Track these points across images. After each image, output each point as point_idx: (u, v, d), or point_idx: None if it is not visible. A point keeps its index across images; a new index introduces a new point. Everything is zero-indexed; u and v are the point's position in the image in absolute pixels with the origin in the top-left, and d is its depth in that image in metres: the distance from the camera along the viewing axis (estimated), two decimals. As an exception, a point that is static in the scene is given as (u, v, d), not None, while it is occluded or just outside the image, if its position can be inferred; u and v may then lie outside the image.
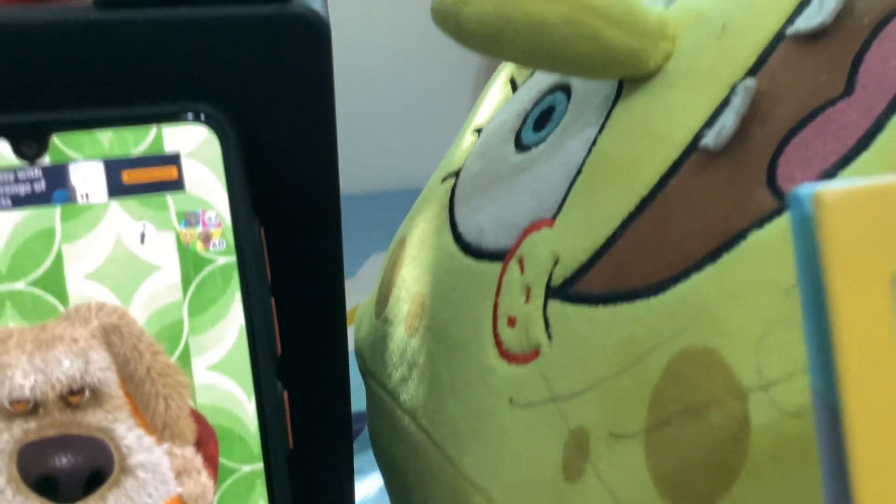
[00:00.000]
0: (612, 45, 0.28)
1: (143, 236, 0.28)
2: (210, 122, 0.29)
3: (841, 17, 0.25)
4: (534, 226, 0.30)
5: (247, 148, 0.29)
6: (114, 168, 0.28)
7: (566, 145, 0.31)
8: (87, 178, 0.28)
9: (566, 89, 0.32)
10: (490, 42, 0.28)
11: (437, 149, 0.48)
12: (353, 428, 0.37)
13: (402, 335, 0.35)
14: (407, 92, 1.14)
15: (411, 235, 0.37)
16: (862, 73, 0.24)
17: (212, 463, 0.28)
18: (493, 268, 0.31)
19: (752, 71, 0.26)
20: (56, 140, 0.28)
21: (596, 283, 0.27)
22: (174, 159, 0.28)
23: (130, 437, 0.27)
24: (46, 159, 0.28)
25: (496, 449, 0.29)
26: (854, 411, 0.14)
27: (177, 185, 0.28)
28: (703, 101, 0.27)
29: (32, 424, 0.26)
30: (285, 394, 0.29)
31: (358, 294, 0.46)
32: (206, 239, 0.28)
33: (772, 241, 0.24)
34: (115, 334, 0.27)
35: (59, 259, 0.27)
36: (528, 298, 0.29)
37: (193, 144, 0.29)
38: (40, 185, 0.27)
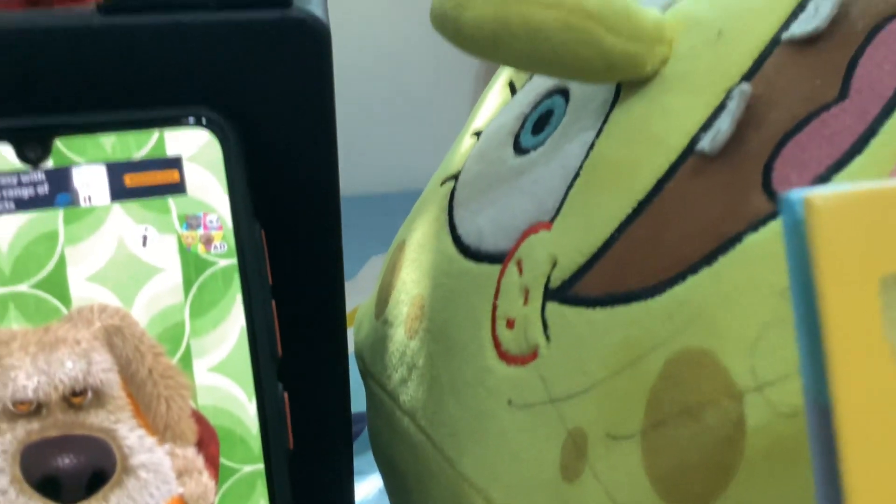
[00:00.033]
0: (609, 50, 0.28)
1: (145, 239, 0.28)
2: (211, 126, 0.29)
3: (836, 23, 0.26)
4: (532, 228, 0.30)
5: (248, 151, 0.29)
6: (116, 171, 0.28)
7: (564, 149, 0.31)
8: (90, 181, 0.28)
9: (564, 93, 0.33)
10: (488, 46, 0.28)
11: (437, 151, 0.48)
12: (353, 429, 0.37)
13: (402, 337, 0.35)
14: (407, 95, 1.14)
15: (411, 238, 0.37)
16: (856, 77, 0.25)
17: (213, 463, 0.28)
18: (492, 270, 0.31)
19: (748, 75, 0.26)
20: (59, 144, 0.28)
21: (593, 286, 0.27)
22: (176, 163, 0.29)
23: (132, 437, 0.27)
24: (50, 163, 0.28)
25: (495, 450, 0.29)
26: (845, 412, 0.14)
27: (178, 188, 0.29)
28: (700, 106, 0.27)
29: (35, 425, 0.26)
30: (286, 395, 0.29)
31: (358, 296, 0.46)
32: (208, 241, 0.29)
33: (767, 245, 0.24)
34: (117, 336, 0.27)
35: (61, 261, 0.27)
36: (526, 300, 0.29)
37: (195, 148, 0.29)
38: (43, 189, 0.28)
